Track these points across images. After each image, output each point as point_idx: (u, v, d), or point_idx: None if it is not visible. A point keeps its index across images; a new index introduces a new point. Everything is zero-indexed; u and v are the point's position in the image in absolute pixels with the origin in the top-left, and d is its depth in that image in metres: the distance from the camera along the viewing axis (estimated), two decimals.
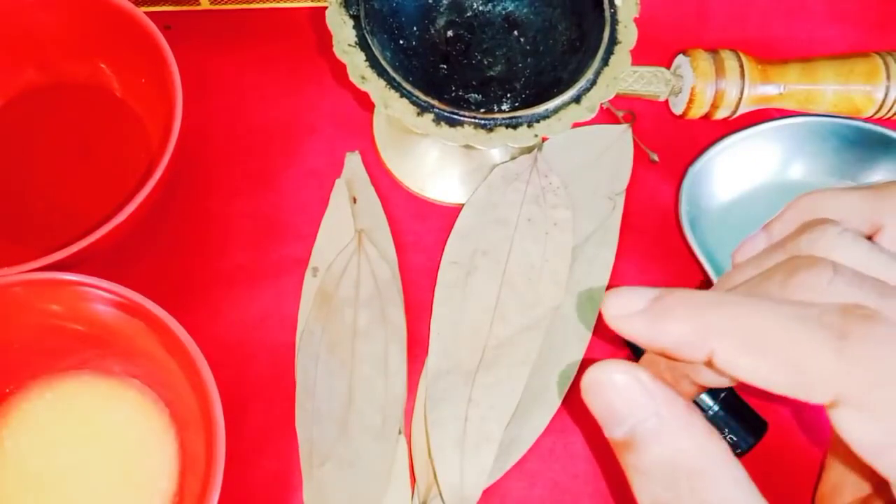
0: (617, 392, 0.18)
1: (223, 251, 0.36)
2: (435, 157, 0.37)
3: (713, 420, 0.31)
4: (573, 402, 0.33)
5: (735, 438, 0.31)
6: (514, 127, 0.29)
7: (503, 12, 0.34)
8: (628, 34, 0.31)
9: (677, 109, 0.39)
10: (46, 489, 0.29)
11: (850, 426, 0.15)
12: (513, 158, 0.37)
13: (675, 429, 0.17)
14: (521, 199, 0.36)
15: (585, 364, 0.33)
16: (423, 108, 0.29)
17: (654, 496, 0.17)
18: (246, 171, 0.37)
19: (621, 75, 0.30)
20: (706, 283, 0.35)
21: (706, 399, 0.32)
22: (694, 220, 0.37)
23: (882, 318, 0.16)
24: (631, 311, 0.18)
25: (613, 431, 0.18)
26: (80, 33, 0.35)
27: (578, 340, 0.34)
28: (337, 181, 0.37)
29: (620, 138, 0.38)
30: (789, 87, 0.37)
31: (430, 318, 0.34)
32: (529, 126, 0.29)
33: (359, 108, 0.39)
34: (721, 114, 0.38)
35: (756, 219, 0.38)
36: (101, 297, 0.28)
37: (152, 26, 0.32)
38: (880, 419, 0.15)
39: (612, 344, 0.35)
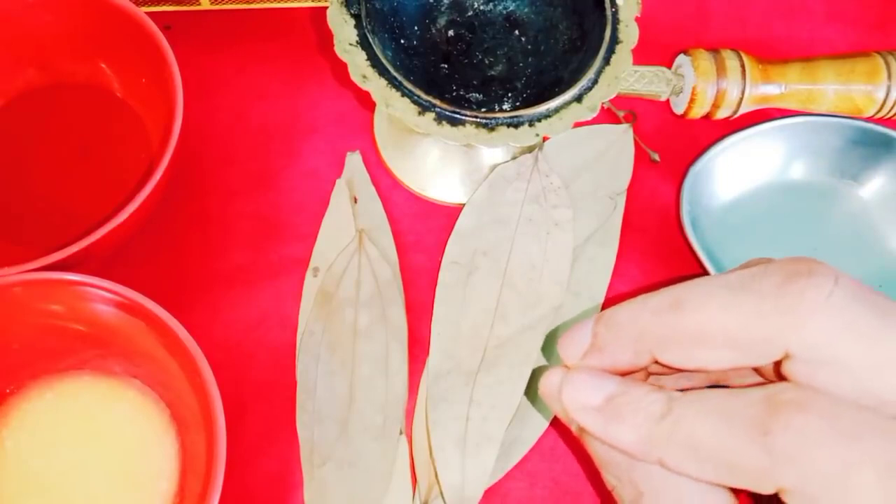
0: (552, 402, 0.20)
1: (223, 251, 0.36)
2: (436, 157, 0.37)
3: None
4: None
5: None
6: (516, 126, 0.29)
7: (504, 12, 0.34)
8: (630, 33, 0.31)
9: (678, 109, 0.39)
10: (46, 489, 0.29)
11: None
12: (513, 158, 0.37)
13: (597, 431, 0.19)
14: (521, 198, 0.36)
15: None
16: (424, 108, 0.29)
17: (605, 478, 0.20)
18: (246, 171, 0.37)
19: (622, 75, 0.30)
20: None
21: None
22: (695, 220, 0.37)
23: (805, 400, 0.16)
24: (587, 406, 0.19)
25: (571, 427, 0.20)
26: (80, 33, 0.35)
27: None
28: (337, 181, 0.37)
29: (621, 138, 0.38)
30: (790, 87, 0.37)
31: (430, 318, 0.34)
32: (531, 125, 0.29)
33: (359, 107, 0.39)
34: (722, 113, 0.38)
35: (757, 218, 0.38)
36: (101, 297, 0.28)
37: (153, 26, 0.32)
38: None
39: None
